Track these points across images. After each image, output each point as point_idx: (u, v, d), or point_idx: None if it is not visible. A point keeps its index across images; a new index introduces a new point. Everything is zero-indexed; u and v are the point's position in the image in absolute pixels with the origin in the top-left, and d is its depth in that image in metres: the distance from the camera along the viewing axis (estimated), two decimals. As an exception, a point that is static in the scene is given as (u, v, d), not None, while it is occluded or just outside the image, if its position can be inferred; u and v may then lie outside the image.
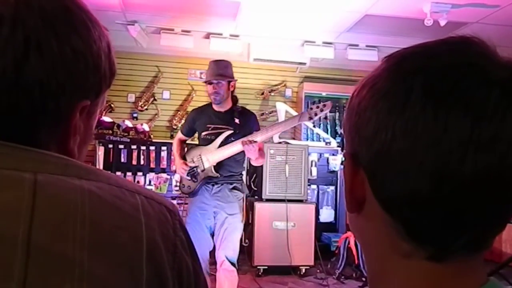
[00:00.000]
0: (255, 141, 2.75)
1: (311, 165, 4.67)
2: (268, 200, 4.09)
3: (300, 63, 5.21)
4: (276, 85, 5.74)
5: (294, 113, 4.98)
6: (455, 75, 0.37)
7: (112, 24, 4.35)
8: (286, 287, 3.79)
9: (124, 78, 5.38)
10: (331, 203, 4.92)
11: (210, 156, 2.87)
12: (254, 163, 2.98)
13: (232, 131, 2.86)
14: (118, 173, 4.67)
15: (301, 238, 4.02)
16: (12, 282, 0.35)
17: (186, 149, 3.14)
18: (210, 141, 2.90)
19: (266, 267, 4.02)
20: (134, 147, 4.70)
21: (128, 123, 4.71)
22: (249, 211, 4.38)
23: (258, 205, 4.08)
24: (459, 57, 0.38)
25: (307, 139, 5.41)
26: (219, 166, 2.88)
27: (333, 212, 4.92)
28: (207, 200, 2.87)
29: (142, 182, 4.76)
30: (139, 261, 0.41)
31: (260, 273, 4.00)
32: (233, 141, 2.85)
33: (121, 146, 4.68)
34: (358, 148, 0.42)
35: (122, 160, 4.70)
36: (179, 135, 3.15)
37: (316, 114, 2.84)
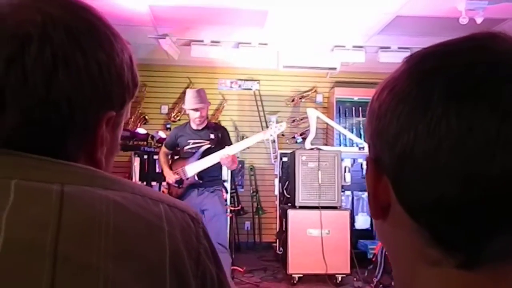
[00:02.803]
0: (229, 155, 3.51)
1: (345, 171, 4.59)
2: (301, 207, 4.04)
3: (331, 68, 5.16)
4: (306, 91, 5.71)
5: (326, 119, 4.92)
6: (479, 73, 0.35)
7: (144, 38, 4.49)
8: (323, 296, 3.73)
9: (157, 90, 5.53)
10: (366, 209, 4.80)
11: (192, 166, 3.56)
12: (229, 169, 3.90)
13: (209, 145, 3.59)
14: (154, 183, 4.77)
15: (336, 246, 3.94)
16: None
17: (170, 161, 3.90)
18: (191, 154, 3.61)
19: (301, 275, 3.97)
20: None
21: (162, 134, 4.81)
22: (282, 218, 4.36)
23: (291, 213, 4.05)
24: (482, 54, 0.36)
25: (340, 145, 5.34)
26: (200, 173, 3.59)
27: (369, 218, 4.81)
28: (194, 201, 3.50)
29: (176, 192, 4.84)
30: (163, 269, 0.41)
31: (295, 282, 3.95)
32: (211, 152, 3.56)
33: (155, 157, 4.78)
34: (380, 153, 0.40)
35: (157, 170, 4.80)
36: (163, 149, 3.85)
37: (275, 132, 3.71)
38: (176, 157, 3.95)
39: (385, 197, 0.40)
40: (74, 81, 0.44)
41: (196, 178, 3.58)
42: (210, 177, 3.62)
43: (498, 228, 0.35)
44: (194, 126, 3.66)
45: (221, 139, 3.68)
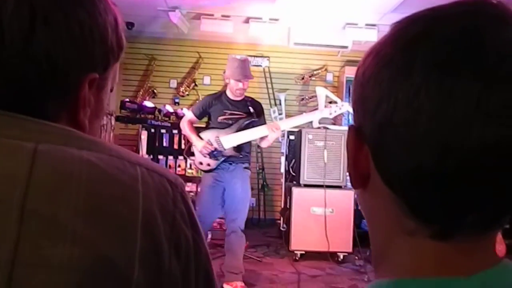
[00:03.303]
0: (280, 128, 3.32)
1: (351, 151, 4.57)
2: (306, 186, 4.06)
3: (342, 47, 5.08)
4: (316, 70, 5.64)
5: (335, 98, 4.86)
6: (464, 40, 0.34)
7: (153, 11, 4.44)
8: (324, 272, 3.77)
9: (166, 64, 5.50)
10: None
11: (231, 138, 3.28)
12: (263, 145, 3.50)
13: (248, 118, 3.35)
14: (161, 157, 4.82)
15: (339, 225, 3.97)
16: (4, 243, 0.36)
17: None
18: (227, 125, 3.33)
19: (303, 252, 4.02)
20: (175, 131, 4.81)
21: (169, 108, 4.82)
22: (287, 195, 4.38)
23: (295, 190, 4.07)
24: (469, 19, 0.34)
25: (348, 124, 5.29)
26: (238, 147, 3.33)
27: (373, 199, 4.81)
28: (224, 177, 3.30)
29: (183, 166, 4.88)
30: (134, 230, 0.42)
31: (297, 258, 4.00)
32: (248, 126, 3.32)
33: (163, 131, 4.81)
34: (362, 121, 0.40)
35: (164, 144, 4.84)
36: (190, 117, 3.45)
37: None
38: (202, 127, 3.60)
39: (365, 166, 0.40)
40: (53, 39, 0.43)
41: (234, 151, 3.30)
42: (245, 152, 3.38)
43: (473, 201, 0.34)
44: (231, 97, 3.36)
45: (259, 114, 3.41)
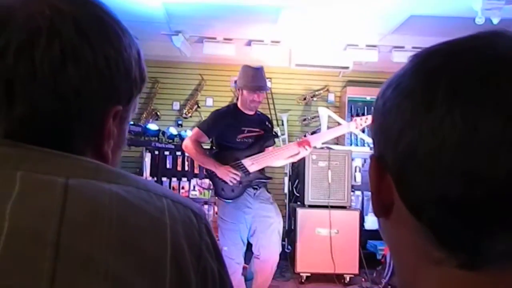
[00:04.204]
0: (310, 144, 2.92)
1: (355, 171, 4.56)
2: (310, 206, 4.04)
3: (343, 67, 5.12)
4: (318, 90, 5.68)
5: (337, 118, 4.88)
6: (483, 71, 0.35)
7: (157, 35, 4.51)
8: (330, 295, 3.72)
9: (169, 87, 5.55)
10: (376, 210, 4.76)
11: (255, 160, 2.88)
12: (277, 164, 3.09)
13: (270, 135, 2.97)
14: (164, 179, 4.82)
15: (345, 246, 3.92)
16: (41, 281, 0.36)
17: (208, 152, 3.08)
18: (248, 144, 2.91)
19: (309, 275, 3.96)
20: (179, 153, 4.82)
21: (173, 131, 4.85)
22: (291, 217, 4.35)
23: (300, 211, 4.04)
24: (487, 51, 0.36)
25: (351, 144, 5.30)
26: (262, 170, 2.94)
27: (378, 219, 4.76)
28: (250, 203, 2.90)
29: (187, 188, 4.87)
30: (164, 263, 0.42)
31: (303, 280, 3.95)
32: (267, 144, 2.93)
33: (166, 153, 4.81)
34: (383, 150, 0.40)
35: (168, 166, 4.84)
36: (199, 137, 2.91)
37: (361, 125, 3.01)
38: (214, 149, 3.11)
39: (388, 195, 0.40)
40: (82, 75, 0.44)
41: (260, 174, 2.92)
42: (265, 175, 3.03)
43: (501, 230, 0.34)
44: (244, 110, 2.93)
45: (270, 128, 3.10)
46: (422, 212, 0.37)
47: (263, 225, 2.89)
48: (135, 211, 0.43)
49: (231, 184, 2.85)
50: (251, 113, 2.96)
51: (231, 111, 2.99)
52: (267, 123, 3.01)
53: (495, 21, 3.46)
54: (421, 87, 0.37)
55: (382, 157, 0.40)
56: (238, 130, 2.90)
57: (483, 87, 0.34)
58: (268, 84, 5.62)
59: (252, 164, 2.87)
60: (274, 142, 3.06)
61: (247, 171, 2.88)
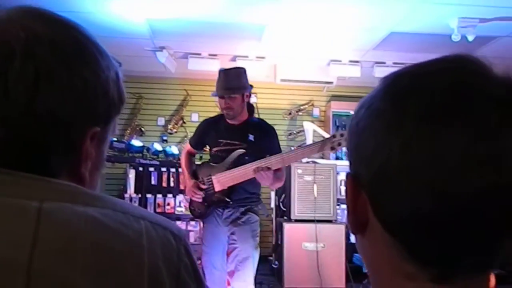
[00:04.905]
0: (269, 168, 2.39)
1: (340, 184, 4.59)
2: (297, 221, 4.03)
3: (327, 82, 5.20)
4: (303, 105, 5.74)
5: (322, 133, 4.93)
6: (449, 93, 0.36)
7: (141, 51, 4.52)
8: (318, 310, 3.69)
9: (154, 103, 5.54)
10: (362, 223, 4.78)
11: (221, 177, 2.51)
12: (270, 187, 2.66)
13: (244, 150, 2.48)
14: (149, 196, 4.76)
15: (331, 260, 3.92)
16: None
17: (194, 165, 2.81)
18: (221, 159, 2.54)
19: (296, 290, 3.94)
20: (164, 169, 4.78)
21: (158, 147, 4.81)
22: (278, 232, 4.33)
23: (287, 226, 4.03)
24: (452, 75, 0.37)
25: (336, 158, 5.34)
26: (230, 189, 2.51)
27: (364, 232, 4.78)
28: (218, 226, 2.56)
29: (172, 204, 4.81)
30: (141, 286, 0.42)
31: (290, 296, 3.91)
32: (247, 160, 2.47)
33: (151, 169, 4.77)
34: (358, 169, 0.41)
35: (153, 182, 4.79)
36: (188, 147, 2.75)
37: (339, 144, 2.47)
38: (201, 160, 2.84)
39: (363, 212, 0.41)
40: (57, 96, 0.44)
41: (225, 196, 2.51)
42: (244, 194, 2.54)
43: (470, 244, 0.36)
44: (229, 120, 2.56)
45: (263, 142, 2.53)
46: (395, 228, 0.38)
47: (232, 251, 2.54)
48: (112, 234, 0.42)
49: (196, 198, 2.58)
50: (234, 122, 2.56)
51: (215, 120, 2.68)
52: (250, 136, 2.51)
53: (470, 38, 3.58)
54: (390, 108, 0.38)
55: (357, 176, 0.41)
56: (215, 143, 2.60)
57: (449, 108, 0.36)
58: (254, 99, 5.69)
59: (218, 182, 2.53)
60: (257, 158, 2.49)
61: (213, 189, 2.54)
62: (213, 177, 2.56)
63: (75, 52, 0.47)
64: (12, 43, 0.44)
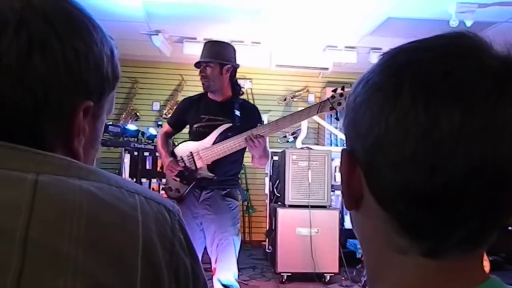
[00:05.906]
0: (261, 136, 2.28)
1: (335, 171, 4.61)
2: (291, 206, 4.06)
3: (323, 68, 5.18)
4: (298, 91, 5.73)
5: (318, 119, 4.93)
6: (445, 66, 0.36)
7: (136, 34, 4.47)
8: (311, 294, 3.75)
9: (149, 87, 5.50)
10: (356, 209, 4.82)
11: (204, 153, 2.38)
12: (255, 164, 2.48)
13: (230, 124, 2.37)
14: (144, 180, 4.76)
15: (325, 245, 3.97)
16: (8, 275, 0.36)
17: (173, 144, 2.66)
18: (204, 135, 2.40)
19: (289, 274, 3.99)
20: (158, 154, 4.77)
21: (152, 131, 4.80)
22: (272, 217, 4.37)
23: (281, 211, 4.06)
24: (450, 49, 0.37)
25: (331, 145, 5.36)
26: (214, 165, 2.37)
27: (358, 218, 4.83)
28: (195, 208, 2.40)
29: (167, 189, 4.82)
30: (134, 259, 0.42)
31: (283, 280, 3.97)
32: (229, 136, 2.34)
33: (146, 154, 4.76)
34: (354, 144, 0.41)
35: (147, 167, 4.78)
36: (165, 127, 2.60)
37: (339, 104, 2.34)
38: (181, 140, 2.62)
39: (358, 188, 0.41)
40: (49, 66, 0.44)
41: (208, 171, 2.38)
42: (226, 174, 2.42)
43: (459, 218, 0.36)
44: (211, 96, 2.46)
45: (250, 119, 2.42)
46: (389, 202, 0.38)
47: (209, 239, 2.38)
48: (106, 208, 0.43)
49: (176, 180, 2.40)
50: (218, 99, 2.45)
51: (197, 98, 2.56)
52: (236, 111, 2.39)
53: (468, 23, 3.57)
54: (388, 81, 0.38)
55: (353, 151, 0.42)
56: (196, 118, 2.45)
57: (444, 81, 0.36)
58: (249, 85, 5.65)
59: (200, 158, 2.38)
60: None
61: (195, 165, 2.37)
62: (194, 153, 2.42)
63: (68, 23, 0.47)
64: (6, 12, 0.43)
